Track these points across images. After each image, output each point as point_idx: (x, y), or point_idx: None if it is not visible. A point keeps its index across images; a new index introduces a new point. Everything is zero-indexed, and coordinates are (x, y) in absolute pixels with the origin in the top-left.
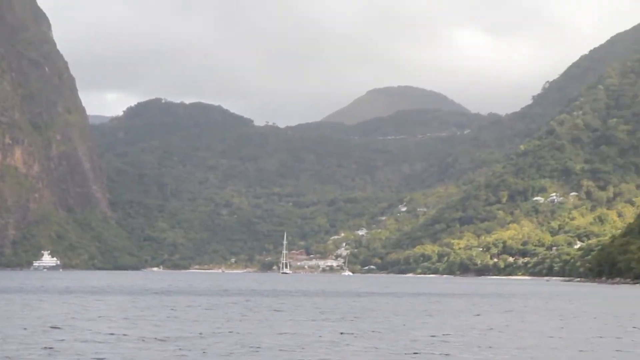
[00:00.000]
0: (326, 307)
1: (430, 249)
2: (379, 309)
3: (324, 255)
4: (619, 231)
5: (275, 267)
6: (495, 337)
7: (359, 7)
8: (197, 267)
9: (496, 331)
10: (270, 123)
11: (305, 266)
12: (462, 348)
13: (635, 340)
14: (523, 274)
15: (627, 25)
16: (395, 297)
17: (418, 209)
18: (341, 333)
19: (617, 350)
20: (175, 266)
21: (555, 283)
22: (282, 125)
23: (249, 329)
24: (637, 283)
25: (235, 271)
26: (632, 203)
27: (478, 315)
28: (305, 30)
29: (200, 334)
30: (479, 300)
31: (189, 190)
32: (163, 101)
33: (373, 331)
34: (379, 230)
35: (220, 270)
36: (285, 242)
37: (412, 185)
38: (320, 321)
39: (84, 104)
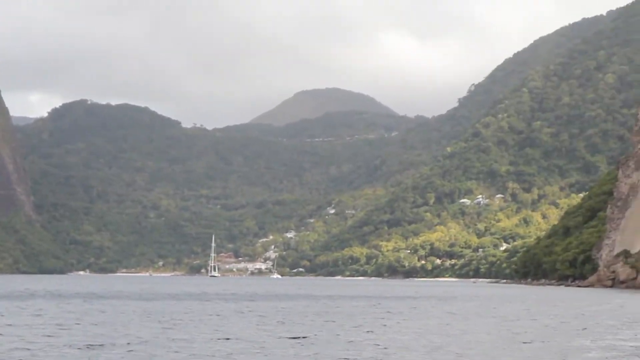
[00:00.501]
0: (263, 311)
1: (358, 251)
2: (317, 313)
3: (252, 258)
4: (544, 233)
5: (203, 270)
6: (444, 341)
7: (287, 10)
8: (124, 270)
9: (443, 334)
10: (198, 125)
11: (234, 269)
12: (403, 351)
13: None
14: (450, 276)
15: (550, 30)
16: (331, 300)
17: (346, 211)
18: (279, 337)
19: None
20: (102, 270)
21: (482, 284)
22: (210, 127)
23: (181, 335)
24: (562, 284)
25: (162, 274)
26: (556, 205)
27: (427, 319)
28: (233, 32)
29: (128, 343)
30: (422, 303)
31: (116, 192)
32: (89, 102)
33: (315, 335)
34: (308, 232)
35: (147, 274)
36: (213, 244)
37: (340, 188)
38: (259, 325)
39: (7, 105)
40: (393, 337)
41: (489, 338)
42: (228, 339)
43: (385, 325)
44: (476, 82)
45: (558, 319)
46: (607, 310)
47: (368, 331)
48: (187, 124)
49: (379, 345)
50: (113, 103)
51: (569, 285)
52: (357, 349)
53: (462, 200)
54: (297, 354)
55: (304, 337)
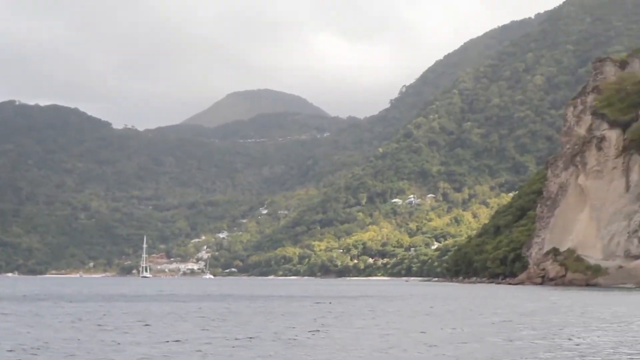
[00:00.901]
0: (205, 313)
1: (291, 251)
2: (259, 313)
3: (184, 259)
4: (475, 232)
5: (135, 271)
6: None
7: (218, 10)
8: (54, 272)
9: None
10: (129, 126)
11: (166, 270)
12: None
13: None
14: (382, 275)
15: (479, 32)
16: (271, 300)
17: (279, 212)
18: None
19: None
20: (31, 271)
21: (415, 283)
22: (141, 128)
23: (112, 337)
24: (492, 282)
25: (93, 275)
26: (486, 204)
27: (374, 318)
28: (164, 33)
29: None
30: (366, 302)
31: (45, 194)
32: (17, 103)
33: (259, 335)
34: (240, 233)
35: (78, 275)
36: (145, 245)
37: (272, 188)
38: (200, 326)
39: None
40: (341, 336)
41: (444, 335)
42: (167, 341)
43: (332, 325)
44: (407, 84)
45: (503, 316)
46: (546, 307)
47: (314, 331)
48: (117, 124)
49: (331, 345)
50: (42, 104)
51: (499, 283)
52: (306, 350)
53: (394, 200)
54: (241, 355)
55: (250, 338)
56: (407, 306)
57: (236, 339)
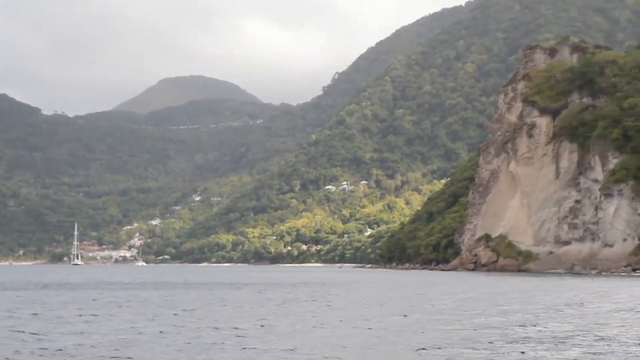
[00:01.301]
0: (143, 300)
1: (224, 237)
2: (206, 301)
3: (117, 246)
4: (407, 218)
5: (66, 259)
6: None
7: None
8: None
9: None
10: (59, 112)
11: (98, 257)
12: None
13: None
14: (316, 261)
15: (411, 19)
16: (207, 289)
17: (212, 199)
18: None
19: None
20: None
21: (349, 269)
22: (71, 114)
23: (40, 327)
24: (425, 268)
25: (23, 263)
26: (418, 191)
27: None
28: (95, 18)
29: None
30: (312, 289)
31: None
32: None
33: (197, 327)
34: (173, 220)
35: (7, 263)
36: (76, 233)
37: (205, 175)
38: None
39: None
40: (290, 327)
41: (412, 322)
42: (110, 330)
43: (277, 313)
44: (340, 71)
45: (454, 303)
46: (493, 293)
47: (263, 319)
48: (47, 111)
49: (281, 334)
50: None
51: (432, 269)
52: (258, 340)
53: (327, 187)
54: (175, 343)
55: (198, 328)
56: (365, 293)
57: (181, 327)
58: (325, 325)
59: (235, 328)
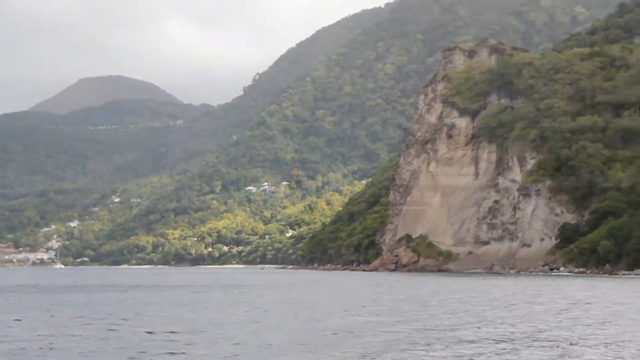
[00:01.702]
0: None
1: (144, 239)
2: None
3: (34, 248)
4: (328, 219)
5: None
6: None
7: None
8: None
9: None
10: None
11: (14, 260)
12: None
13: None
14: (237, 262)
15: (331, 20)
16: (139, 290)
17: (132, 200)
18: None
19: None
20: None
21: (270, 270)
22: None
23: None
24: (347, 269)
25: None
26: (339, 192)
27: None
28: (12, 16)
29: None
30: (245, 292)
31: None
32: None
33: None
34: (92, 221)
35: None
36: None
37: (125, 176)
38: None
39: None
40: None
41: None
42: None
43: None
44: (261, 71)
45: (396, 303)
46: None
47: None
48: None
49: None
50: None
51: (354, 270)
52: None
53: (248, 188)
54: (101, 348)
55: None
56: (307, 295)
57: (108, 330)
58: (265, 330)
59: (172, 332)
